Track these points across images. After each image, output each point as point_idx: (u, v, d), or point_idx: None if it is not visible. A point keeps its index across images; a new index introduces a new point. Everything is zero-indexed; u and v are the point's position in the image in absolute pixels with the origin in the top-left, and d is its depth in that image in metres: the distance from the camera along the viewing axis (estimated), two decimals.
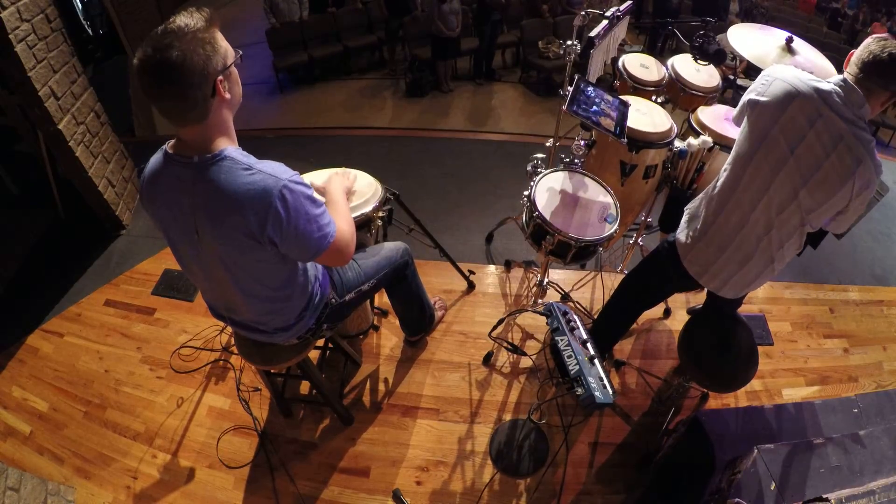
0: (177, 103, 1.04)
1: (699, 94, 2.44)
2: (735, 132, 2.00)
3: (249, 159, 1.12)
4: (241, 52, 1.14)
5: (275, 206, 1.09)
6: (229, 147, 1.13)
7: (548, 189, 2.01)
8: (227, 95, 1.11)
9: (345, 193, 1.56)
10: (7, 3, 2.27)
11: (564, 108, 1.84)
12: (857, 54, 1.33)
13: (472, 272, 2.69)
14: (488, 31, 6.09)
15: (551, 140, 2.50)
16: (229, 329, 2.36)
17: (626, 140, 1.90)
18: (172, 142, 1.16)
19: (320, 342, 2.05)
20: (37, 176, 3.24)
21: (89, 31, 6.59)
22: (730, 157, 1.56)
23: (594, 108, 1.89)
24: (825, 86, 1.34)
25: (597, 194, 2.02)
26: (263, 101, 6.02)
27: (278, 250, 1.19)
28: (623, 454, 2.04)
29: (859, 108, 1.31)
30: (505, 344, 2.36)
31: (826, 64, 2.00)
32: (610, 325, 2.14)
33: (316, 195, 1.20)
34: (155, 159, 1.19)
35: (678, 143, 2.09)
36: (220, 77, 1.07)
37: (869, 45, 1.30)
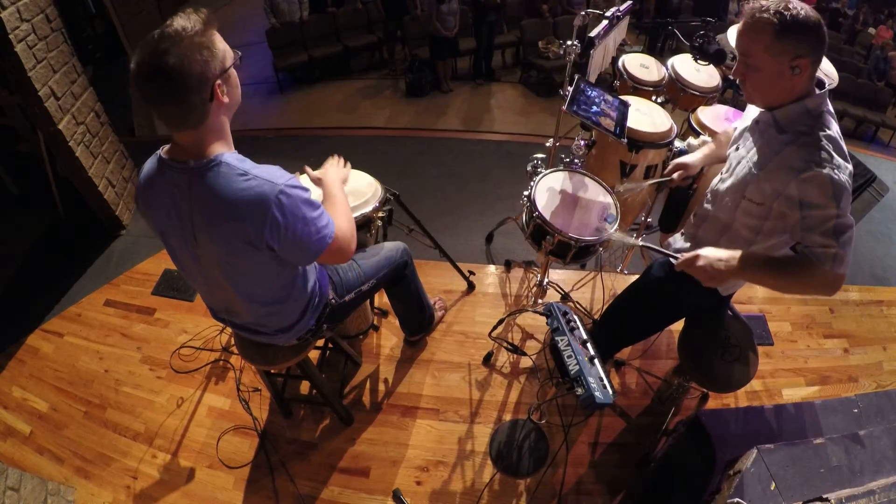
0: (174, 108, 1.03)
1: (699, 94, 2.45)
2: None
3: (245, 164, 1.11)
4: (240, 54, 1.12)
5: (272, 211, 1.07)
6: (225, 152, 1.11)
7: (548, 189, 2.01)
8: (226, 99, 1.09)
9: (342, 185, 1.48)
10: (7, 3, 2.27)
11: (564, 108, 1.84)
12: None
13: (472, 272, 2.68)
14: (485, 32, 6.08)
15: (551, 140, 2.49)
16: (229, 329, 2.35)
17: (626, 140, 1.90)
18: (167, 146, 1.15)
19: (320, 342, 2.05)
20: (37, 176, 3.25)
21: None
22: None
23: (594, 108, 1.89)
24: None
25: (597, 194, 2.02)
26: (263, 101, 6.02)
27: (276, 255, 1.18)
28: (623, 454, 2.04)
29: None
30: (505, 344, 2.35)
31: (826, 64, 2.01)
32: (620, 335, 2.05)
33: (313, 197, 1.18)
34: (150, 164, 1.18)
35: (678, 143, 2.09)
36: (219, 81, 1.05)
37: None
